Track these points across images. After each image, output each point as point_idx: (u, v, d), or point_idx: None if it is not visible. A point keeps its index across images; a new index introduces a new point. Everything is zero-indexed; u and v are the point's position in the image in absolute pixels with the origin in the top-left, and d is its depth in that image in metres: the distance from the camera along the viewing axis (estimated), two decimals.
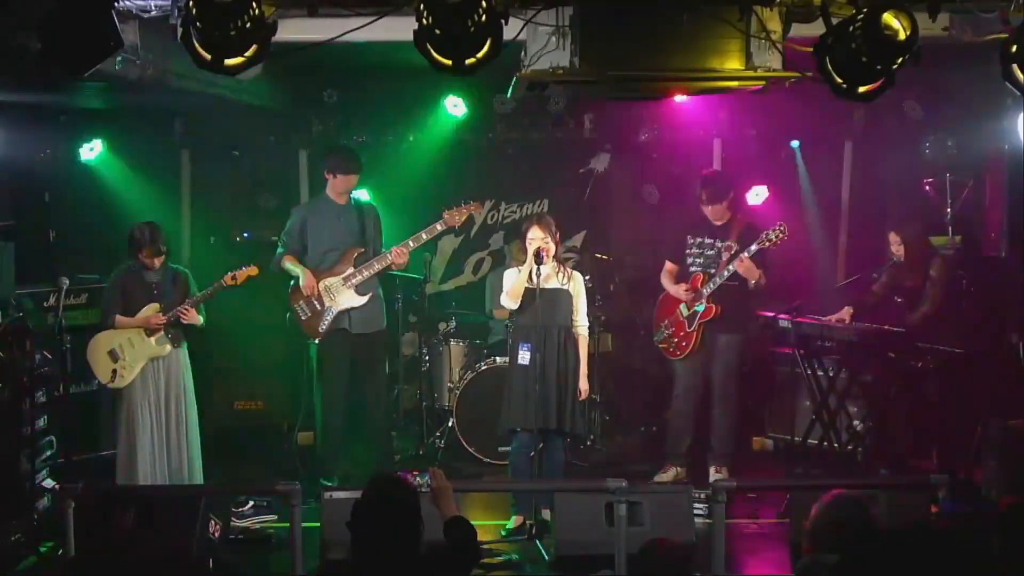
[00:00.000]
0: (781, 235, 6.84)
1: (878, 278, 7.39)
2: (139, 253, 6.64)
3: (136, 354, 6.65)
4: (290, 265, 7.12)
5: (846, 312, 7.21)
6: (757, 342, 7.87)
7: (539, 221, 6.41)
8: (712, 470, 7.18)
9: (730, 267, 6.96)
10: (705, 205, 7.19)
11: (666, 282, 7.38)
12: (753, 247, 6.89)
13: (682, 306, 7.22)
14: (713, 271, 7.09)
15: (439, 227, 7.04)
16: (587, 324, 6.59)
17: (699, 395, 7.30)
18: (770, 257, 7.03)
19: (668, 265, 7.40)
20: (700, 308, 7.11)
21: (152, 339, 6.67)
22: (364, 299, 7.09)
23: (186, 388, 6.79)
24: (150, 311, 6.67)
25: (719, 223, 7.20)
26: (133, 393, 6.63)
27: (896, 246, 7.18)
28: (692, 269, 7.23)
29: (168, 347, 6.71)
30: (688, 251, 7.26)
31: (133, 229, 6.70)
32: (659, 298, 7.47)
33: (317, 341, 7.11)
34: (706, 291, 7.08)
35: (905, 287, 7.22)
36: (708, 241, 7.20)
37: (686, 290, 7.17)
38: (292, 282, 7.14)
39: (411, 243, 7.06)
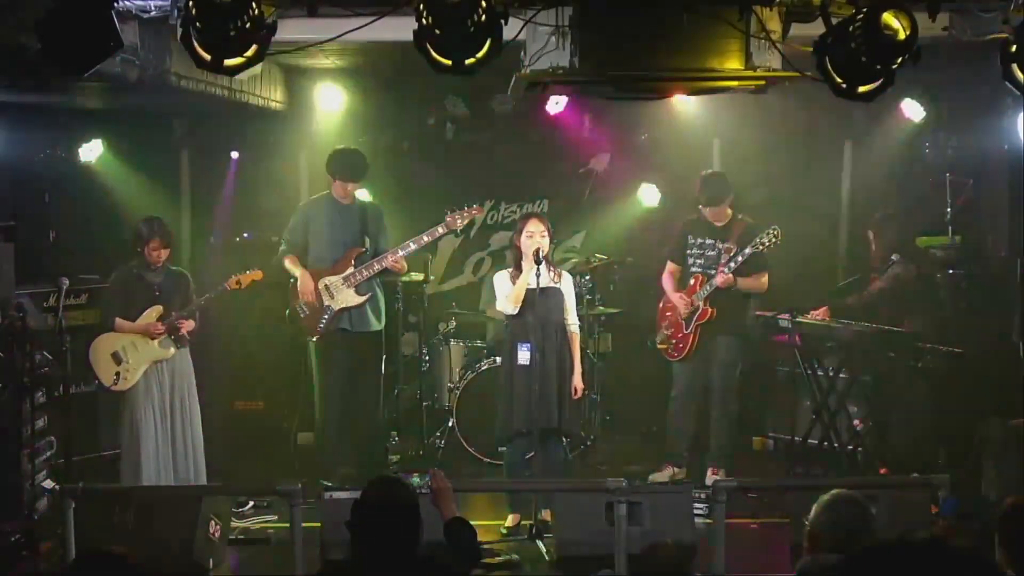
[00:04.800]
0: (774, 239, 6.88)
1: (878, 277, 7.40)
2: (146, 246, 6.63)
3: (140, 357, 6.64)
4: (290, 266, 7.14)
5: (823, 312, 7.26)
6: (758, 342, 7.89)
7: (537, 215, 6.56)
8: (709, 471, 7.18)
9: (718, 276, 7.01)
10: (704, 207, 7.22)
11: (667, 284, 7.39)
12: (747, 250, 6.93)
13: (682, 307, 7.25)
14: (712, 272, 7.11)
15: (440, 230, 7.07)
16: (578, 322, 6.60)
17: (698, 396, 7.32)
18: (765, 259, 7.04)
19: (670, 266, 7.43)
20: (696, 310, 7.13)
21: (155, 342, 6.67)
22: (363, 298, 7.09)
23: (189, 388, 6.80)
24: (153, 314, 6.67)
25: (719, 224, 7.21)
26: (136, 395, 6.63)
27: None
28: (693, 270, 7.27)
29: (172, 349, 6.72)
30: (689, 251, 7.28)
31: (138, 224, 6.72)
32: (663, 300, 7.48)
33: (315, 339, 7.12)
34: (703, 293, 7.09)
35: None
36: (709, 242, 7.22)
37: (681, 299, 7.20)
38: (292, 280, 7.15)
39: (412, 245, 7.07)
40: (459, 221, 7.08)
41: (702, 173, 7.41)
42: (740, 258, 6.96)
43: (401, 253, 7.05)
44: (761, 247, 6.90)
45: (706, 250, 7.23)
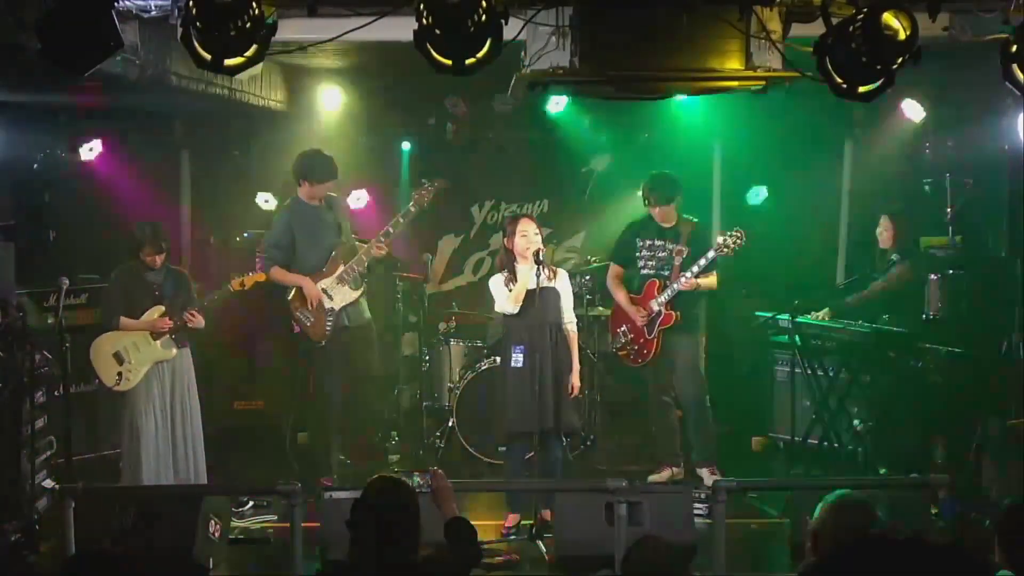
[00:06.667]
0: (738, 241, 6.83)
1: (878, 278, 7.40)
2: (140, 251, 6.64)
3: (142, 357, 6.62)
4: (283, 276, 7.05)
5: (823, 312, 7.24)
6: (759, 342, 7.90)
7: (527, 216, 6.59)
8: (707, 472, 7.16)
9: (681, 280, 6.95)
10: (654, 207, 7.17)
11: (618, 293, 7.31)
12: (711, 253, 6.90)
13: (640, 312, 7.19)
14: (667, 273, 7.08)
15: (413, 210, 7.06)
16: (575, 320, 6.59)
17: (670, 394, 7.31)
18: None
19: (615, 268, 7.37)
20: (658, 316, 7.09)
21: (158, 342, 6.65)
22: (359, 292, 7.10)
23: (190, 388, 6.79)
24: (155, 313, 6.66)
25: (667, 225, 7.17)
26: (137, 395, 6.61)
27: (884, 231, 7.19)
28: (644, 272, 7.21)
29: (174, 349, 6.69)
30: (638, 254, 7.23)
31: (134, 228, 6.71)
32: (614, 305, 7.43)
33: (323, 343, 7.10)
34: (663, 298, 7.06)
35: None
36: (659, 243, 7.17)
37: (637, 311, 7.12)
38: (291, 291, 7.06)
39: (390, 229, 7.06)
40: (425, 197, 7.05)
41: (651, 173, 7.34)
42: (704, 261, 6.90)
43: (382, 239, 7.05)
44: (726, 250, 6.85)
45: (656, 252, 7.17)
